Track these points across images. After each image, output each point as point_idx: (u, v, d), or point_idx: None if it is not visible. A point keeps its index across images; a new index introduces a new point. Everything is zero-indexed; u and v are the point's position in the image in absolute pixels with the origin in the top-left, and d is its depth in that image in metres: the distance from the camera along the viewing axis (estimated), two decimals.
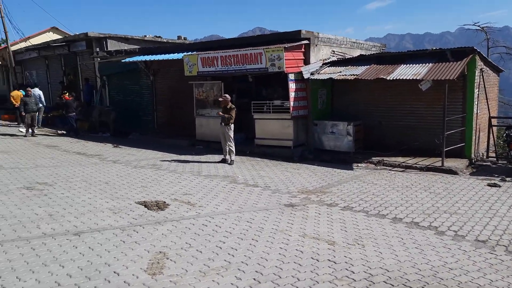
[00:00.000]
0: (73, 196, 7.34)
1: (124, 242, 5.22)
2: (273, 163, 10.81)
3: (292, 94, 11.10)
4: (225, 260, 4.74)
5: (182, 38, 20.34)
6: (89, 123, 17.35)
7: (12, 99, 18.05)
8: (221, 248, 5.10)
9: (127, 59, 15.49)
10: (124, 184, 8.46)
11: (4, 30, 24.08)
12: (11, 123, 18.74)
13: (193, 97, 13.43)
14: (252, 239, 5.43)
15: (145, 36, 19.24)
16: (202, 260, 4.72)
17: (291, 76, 11.06)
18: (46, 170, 9.54)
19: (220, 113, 10.59)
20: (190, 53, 12.97)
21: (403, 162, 10.12)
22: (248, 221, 6.14)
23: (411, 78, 9.66)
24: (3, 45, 27.74)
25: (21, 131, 16.32)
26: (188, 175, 9.39)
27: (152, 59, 14.29)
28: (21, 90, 18.38)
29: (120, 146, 13.76)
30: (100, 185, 8.27)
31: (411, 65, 10.32)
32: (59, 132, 16.14)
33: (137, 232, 5.58)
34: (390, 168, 10.02)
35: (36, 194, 7.37)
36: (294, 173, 9.64)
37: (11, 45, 24.58)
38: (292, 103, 11.14)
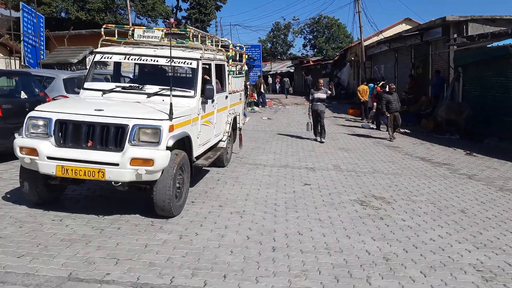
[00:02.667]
0: (418, 229, 5.18)
1: None
2: None
3: None
4: None
5: None
6: (434, 122, 14.92)
7: (359, 93, 17.78)
8: None
9: (494, 44, 12.08)
10: (489, 218, 5.68)
11: (360, 25, 24.73)
12: (356, 118, 18.55)
13: None
14: None
15: None
16: None
17: None
18: (384, 179, 7.83)
19: None
20: None
21: None
22: None
23: None
24: (356, 41, 28.82)
25: (363, 127, 15.66)
26: None
27: None
28: (369, 85, 17.89)
29: (474, 154, 10.73)
30: (453, 215, 5.80)
31: None
32: (401, 130, 14.45)
33: None
34: None
35: (370, 215, 5.63)
36: None
37: (364, 40, 25.01)
38: None
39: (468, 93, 14.79)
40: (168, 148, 4.79)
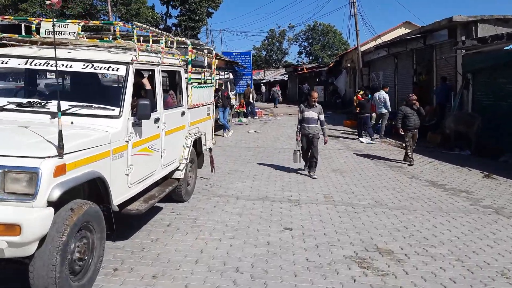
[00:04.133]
0: None
1: None
2: None
3: None
4: None
5: None
6: (441, 136, 13.21)
7: (355, 103, 16.11)
8: None
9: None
10: None
11: (356, 28, 23.08)
12: (352, 130, 16.80)
13: None
14: None
15: None
16: None
17: None
18: (389, 216, 6.06)
19: None
20: None
21: None
22: None
23: None
24: (353, 47, 27.21)
25: (361, 141, 13.95)
26: None
27: None
28: (361, 92, 16.26)
29: (493, 175, 8.99)
30: (493, 282, 4.03)
31: None
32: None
33: None
34: None
35: (373, 287, 3.86)
36: None
37: (361, 45, 23.37)
38: None
39: (479, 102, 13.07)
40: (51, 203, 3.01)
